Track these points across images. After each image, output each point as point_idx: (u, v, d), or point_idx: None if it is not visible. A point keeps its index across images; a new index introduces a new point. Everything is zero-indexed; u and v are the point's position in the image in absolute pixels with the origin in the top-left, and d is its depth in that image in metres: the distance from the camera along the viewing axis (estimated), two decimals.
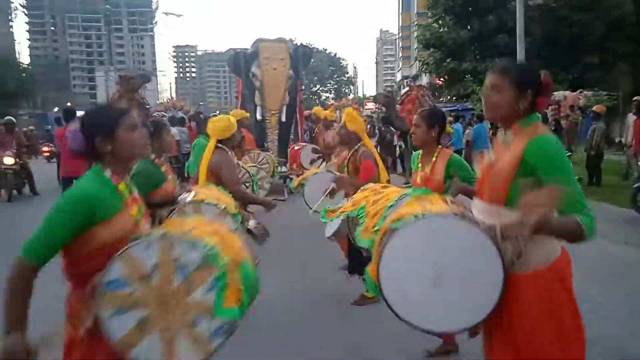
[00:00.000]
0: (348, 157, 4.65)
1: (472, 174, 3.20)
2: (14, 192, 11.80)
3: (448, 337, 3.49)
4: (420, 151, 3.54)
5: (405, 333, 3.68)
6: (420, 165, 3.48)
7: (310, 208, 5.67)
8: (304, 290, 5.11)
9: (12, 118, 12.68)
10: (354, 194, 3.57)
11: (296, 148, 10.00)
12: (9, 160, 11.28)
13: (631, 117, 10.76)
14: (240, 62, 12.08)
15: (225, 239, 1.97)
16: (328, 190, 4.63)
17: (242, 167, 5.90)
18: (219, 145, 4.25)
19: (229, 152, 4.31)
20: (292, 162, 9.94)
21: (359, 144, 4.57)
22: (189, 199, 3.17)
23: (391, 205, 2.78)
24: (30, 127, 28.36)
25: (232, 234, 2.15)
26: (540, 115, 2.09)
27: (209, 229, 1.99)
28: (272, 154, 9.15)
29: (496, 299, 1.94)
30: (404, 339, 3.71)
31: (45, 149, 22.55)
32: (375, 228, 2.67)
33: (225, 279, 1.80)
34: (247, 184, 5.65)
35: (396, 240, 2.04)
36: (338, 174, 5.38)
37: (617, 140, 18.90)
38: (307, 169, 7.57)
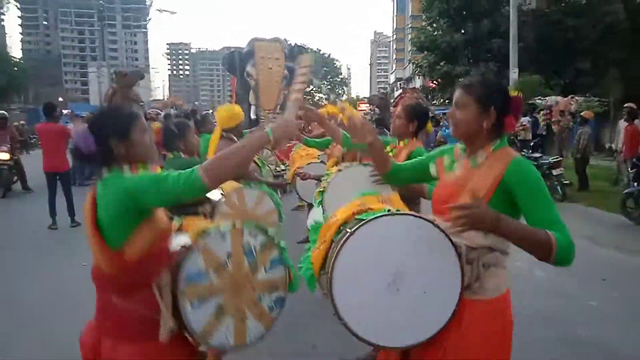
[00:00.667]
0: (346, 151, 4.65)
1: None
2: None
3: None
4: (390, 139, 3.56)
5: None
6: (391, 153, 3.49)
7: (302, 199, 5.71)
8: (299, 290, 5.11)
9: (5, 112, 12.33)
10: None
11: (288, 145, 10.01)
12: (3, 156, 11.07)
13: (622, 123, 10.87)
14: (236, 61, 12.09)
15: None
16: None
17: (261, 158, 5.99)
18: (224, 134, 4.34)
19: (234, 141, 4.34)
20: (283, 158, 9.95)
21: None
22: (217, 197, 3.36)
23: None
24: (22, 122, 28.19)
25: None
26: (506, 136, 2.00)
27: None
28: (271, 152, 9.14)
29: (448, 316, 1.85)
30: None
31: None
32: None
33: (283, 257, 2.04)
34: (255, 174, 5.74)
35: (356, 237, 1.85)
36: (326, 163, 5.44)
37: (607, 146, 19.08)
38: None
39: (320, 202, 3.50)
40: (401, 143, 3.51)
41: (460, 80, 19.88)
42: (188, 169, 1.78)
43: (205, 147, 4.40)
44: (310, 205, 6.08)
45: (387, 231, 1.88)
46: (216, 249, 1.92)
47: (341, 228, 2.05)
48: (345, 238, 1.85)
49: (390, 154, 3.50)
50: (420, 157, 2.36)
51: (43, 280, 5.42)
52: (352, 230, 1.85)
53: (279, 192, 10.70)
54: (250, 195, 3.62)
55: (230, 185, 3.62)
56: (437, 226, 1.85)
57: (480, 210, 1.70)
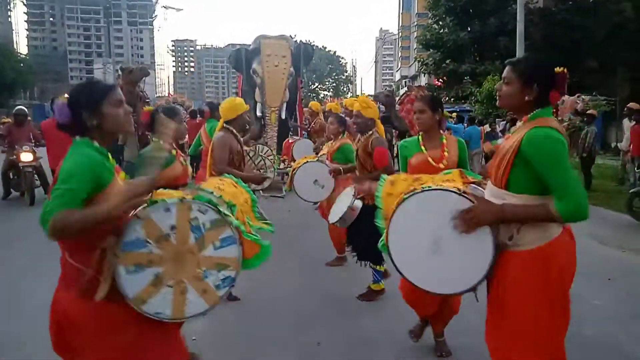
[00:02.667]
0: (357, 143, 4.65)
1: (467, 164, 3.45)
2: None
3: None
4: (418, 137, 3.55)
5: (403, 330, 3.74)
6: (424, 148, 3.48)
7: (301, 197, 5.75)
8: (301, 288, 5.13)
9: (24, 108, 10.62)
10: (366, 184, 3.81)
11: (290, 141, 10.02)
12: (27, 157, 9.50)
13: (627, 122, 10.82)
14: (242, 58, 12.06)
15: (235, 195, 2.43)
16: (352, 201, 4.44)
17: (260, 154, 6.03)
18: (225, 126, 4.43)
19: (233, 133, 4.42)
20: (284, 154, 9.97)
21: (374, 129, 4.56)
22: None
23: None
24: (28, 118, 28.25)
25: (241, 190, 2.61)
26: (548, 109, 2.22)
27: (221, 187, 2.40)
28: (272, 150, 9.16)
29: (485, 271, 2.18)
30: (401, 336, 3.75)
31: None
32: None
33: (233, 239, 2.08)
34: (261, 170, 5.77)
35: (401, 209, 2.30)
36: (329, 162, 5.44)
37: (613, 145, 18.99)
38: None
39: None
40: (434, 139, 3.51)
41: (466, 78, 19.84)
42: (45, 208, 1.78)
43: (211, 133, 4.46)
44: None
45: (424, 203, 2.27)
46: (159, 220, 1.98)
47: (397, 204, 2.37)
48: (396, 206, 2.31)
49: (419, 151, 3.50)
50: None
51: (49, 278, 5.44)
52: (401, 200, 2.31)
53: (283, 188, 10.78)
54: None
55: (210, 180, 3.59)
56: (465, 196, 2.20)
57: (482, 209, 2.13)
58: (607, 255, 6.38)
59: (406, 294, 3.35)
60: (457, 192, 2.22)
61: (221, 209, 2.09)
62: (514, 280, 2.14)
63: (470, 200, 2.19)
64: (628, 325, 4.21)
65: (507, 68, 2.25)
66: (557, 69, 2.21)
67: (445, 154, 3.44)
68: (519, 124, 2.27)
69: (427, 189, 2.29)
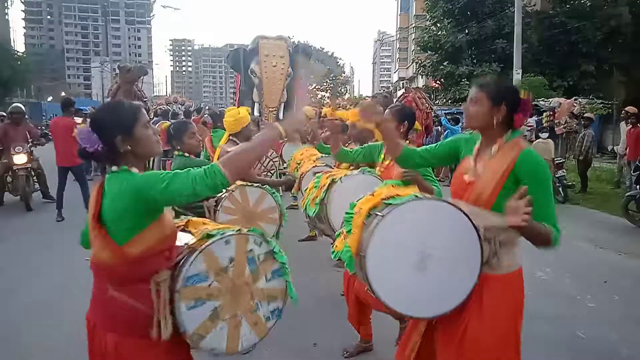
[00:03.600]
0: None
1: (430, 172, 3.22)
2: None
3: (367, 336, 3.64)
4: (382, 144, 3.52)
5: (395, 331, 3.74)
6: (383, 157, 3.52)
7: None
8: (299, 288, 5.11)
9: (21, 106, 9.94)
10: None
11: (279, 141, 10.00)
12: (20, 159, 8.91)
13: (623, 126, 10.85)
14: (240, 58, 12.06)
15: None
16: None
17: (267, 156, 6.03)
18: (231, 138, 4.46)
19: (235, 144, 4.39)
20: (275, 152, 9.96)
21: (373, 140, 4.57)
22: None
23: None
24: (25, 117, 28.17)
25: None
26: (520, 131, 2.25)
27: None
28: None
29: (468, 292, 2.06)
30: (395, 337, 3.75)
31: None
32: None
33: (284, 271, 2.10)
34: (271, 172, 5.77)
35: (388, 219, 2.03)
36: (335, 168, 5.45)
37: (609, 148, 19.05)
38: (286, 163, 7.63)
39: (315, 211, 3.69)
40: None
41: (464, 80, 19.88)
42: (203, 167, 1.79)
43: (215, 144, 4.47)
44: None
45: (415, 214, 2.07)
46: (219, 253, 1.93)
47: (371, 212, 2.18)
48: (377, 221, 2.02)
49: (381, 160, 3.54)
50: (434, 144, 2.58)
51: (49, 273, 5.43)
52: (384, 213, 2.03)
53: (280, 190, 10.76)
54: (252, 193, 3.81)
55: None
56: (460, 210, 2.05)
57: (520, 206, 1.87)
58: (603, 258, 6.39)
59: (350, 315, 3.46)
60: (454, 205, 2.08)
61: (270, 242, 2.08)
62: (492, 302, 2.09)
63: (466, 215, 2.05)
64: (622, 328, 4.23)
65: (475, 89, 2.25)
66: (522, 95, 2.22)
67: (389, 163, 3.44)
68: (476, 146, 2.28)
69: (418, 198, 2.13)
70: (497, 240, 2.10)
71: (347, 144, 5.63)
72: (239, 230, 2.02)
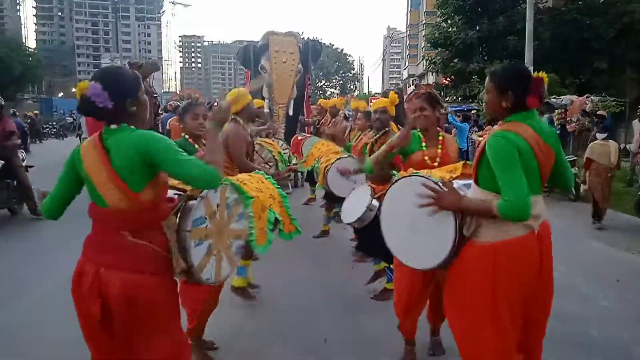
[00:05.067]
0: (374, 140, 4.61)
1: None
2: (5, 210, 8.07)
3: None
4: (418, 133, 3.48)
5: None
6: (425, 145, 3.43)
7: (335, 193, 5.74)
8: (310, 284, 5.13)
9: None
10: None
11: (299, 138, 9.97)
12: None
13: (636, 124, 10.73)
14: (250, 54, 12.01)
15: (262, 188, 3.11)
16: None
17: (267, 148, 6.01)
18: (233, 117, 4.33)
19: (242, 125, 4.35)
20: (293, 151, 9.92)
21: (387, 129, 4.56)
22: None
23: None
24: (35, 112, 28.42)
25: (267, 185, 3.20)
26: (533, 112, 2.35)
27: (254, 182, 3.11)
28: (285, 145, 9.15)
29: (447, 252, 2.42)
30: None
31: None
32: None
33: (247, 214, 2.65)
34: (270, 164, 5.75)
35: (393, 188, 2.77)
36: (355, 157, 5.46)
37: (621, 146, 18.85)
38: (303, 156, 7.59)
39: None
40: (434, 137, 3.50)
41: (474, 77, 19.71)
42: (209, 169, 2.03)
43: None
44: (334, 198, 6.12)
45: (404, 189, 2.68)
46: (212, 199, 2.28)
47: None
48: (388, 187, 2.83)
49: (420, 149, 3.48)
50: None
51: (59, 265, 5.47)
52: (385, 191, 2.84)
53: (290, 185, 10.77)
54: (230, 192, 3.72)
55: (239, 176, 3.67)
56: (437, 183, 2.50)
57: (444, 195, 2.41)
58: (616, 256, 6.34)
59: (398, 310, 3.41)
60: (425, 177, 2.57)
61: (242, 190, 2.59)
62: (464, 269, 2.38)
63: (440, 187, 2.47)
64: (635, 327, 4.19)
65: (487, 79, 2.42)
66: (534, 74, 2.32)
67: (439, 151, 3.42)
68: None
69: (413, 174, 2.74)
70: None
71: (365, 131, 5.62)
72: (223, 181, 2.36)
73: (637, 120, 10.78)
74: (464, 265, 2.38)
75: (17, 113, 23.45)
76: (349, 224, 4.64)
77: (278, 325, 4.13)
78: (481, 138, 9.63)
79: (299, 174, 11.19)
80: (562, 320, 4.10)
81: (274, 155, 5.60)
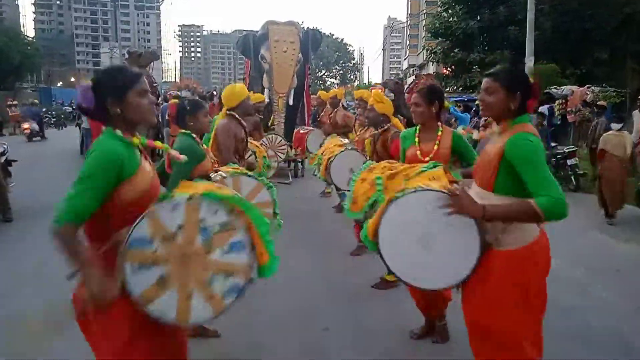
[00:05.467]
0: (376, 136, 4.61)
1: (473, 152, 3.47)
2: None
3: (433, 316, 3.62)
4: (415, 128, 3.55)
5: (409, 318, 3.75)
6: (417, 140, 3.48)
7: (337, 188, 5.75)
8: (310, 274, 5.15)
9: None
10: None
11: (302, 132, 9.92)
12: None
13: (637, 115, 10.69)
14: (250, 43, 11.93)
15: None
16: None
17: (250, 148, 5.95)
18: (229, 112, 4.40)
19: (237, 120, 4.37)
20: (297, 146, 9.88)
21: (388, 125, 4.55)
22: (218, 177, 3.42)
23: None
24: (35, 100, 28.31)
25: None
26: (530, 115, 2.40)
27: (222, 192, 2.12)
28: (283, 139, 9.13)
29: (472, 266, 2.32)
30: (407, 323, 3.76)
31: (26, 125, 19.89)
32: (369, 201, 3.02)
33: (242, 244, 1.99)
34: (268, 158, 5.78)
35: (394, 207, 2.40)
36: (359, 151, 5.45)
37: None
38: (312, 153, 7.56)
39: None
40: (431, 131, 3.49)
41: (475, 67, 19.61)
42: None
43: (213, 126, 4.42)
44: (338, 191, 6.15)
45: (415, 203, 2.37)
46: (166, 218, 1.89)
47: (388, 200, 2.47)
48: (383, 210, 2.41)
49: (413, 144, 3.50)
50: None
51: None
52: (390, 203, 2.41)
53: (290, 176, 10.76)
54: (247, 183, 3.57)
55: (233, 169, 3.67)
56: (451, 191, 2.30)
57: (464, 202, 2.22)
58: (616, 248, 6.34)
59: (417, 300, 3.51)
60: (448, 193, 2.32)
61: (232, 212, 1.99)
62: (498, 278, 2.28)
63: (457, 195, 2.28)
64: (635, 319, 4.20)
65: (488, 79, 2.37)
66: (531, 80, 2.37)
67: (435, 147, 3.42)
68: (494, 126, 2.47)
69: (420, 189, 2.41)
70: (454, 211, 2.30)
71: (364, 129, 5.60)
72: (190, 196, 1.95)
73: (637, 110, 10.74)
74: (497, 276, 2.28)
75: (16, 102, 23.63)
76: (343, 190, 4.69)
77: (278, 315, 4.15)
78: (478, 136, 9.52)
79: (299, 164, 11.20)
80: (562, 311, 4.12)
81: (257, 158, 5.48)
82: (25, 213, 7.45)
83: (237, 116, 4.39)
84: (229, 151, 4.20)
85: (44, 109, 25.35)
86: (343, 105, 9.26)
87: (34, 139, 19.57)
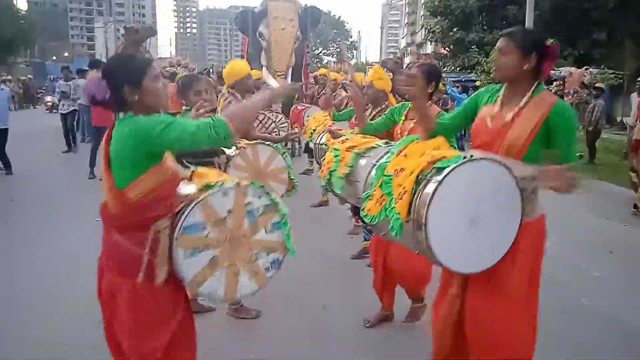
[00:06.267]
0: (373, 116, 4.62)
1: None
2: None
3: (390, 305, 3.69)
4: (403, 106, 3.58)
5: (403, 296, 3.79)
6: (404, 118, 3.51)
7: (316, 162, 5.78)
8: (308, 254, 5.17)
9: None
10: None
11: (299, 108, 9.90)
12: None
13: (635, 97, 10.71)
14: (248, 20, 11.82)
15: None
16: None
17: (269, 117, 6.03)
18: (230, 91, 4.44)
19: (236, 98, 4.37)
20: (294, 122, 9.87)
21: (386, 103, 4.55)
22: (232, 150, 3.62)
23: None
24: (29, 76, 28.03)
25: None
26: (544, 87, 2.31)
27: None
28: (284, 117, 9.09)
29: (510, 244, 2.16)
30: (402, 300, 3.78)
31: (48, 99, 23.58)
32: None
33: (284, 224, 2.19)
34: (273, 133, 5.79)
35: (446, 185, 2.00)
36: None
37: (618, 119, 18.87)
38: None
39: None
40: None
41: (473, 47, 19.43)
42: (211, 117, 1.92)
43: None
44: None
45: (466, 176, 2.06)
46: (217, 204, 2.00)
47: (420, 177, 2.13)
48: (435, 187, 2.00)
49: (400, 122, 3.53)
50: (460, 106, 2.63)
51: (63, 235, 5.52)
52: (441, 179, 2.00)
53: (295, 153, 10.71)
54: (263, 151, 3.84)
55: (245, 142, 3.75)
56: (503, 165, 2.10)
57: (563, 175, 2.02)
58: (610, 228, 6.43)
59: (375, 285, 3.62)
60: (500, 162, 2.11)
61: (272, 195, 2.16)
62: (525, 246, 2.21)
63: (508, 170, 2.10)
64: (626, 297, 4.29)
65: (503, 39, 2.30)
66: (549, 41, 2.28)
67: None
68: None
69: (471, 158, 2.08)
70: (529, 189, 2.21)
71: (366, 108, 5.60)
72: (237, 183, 2.08)
73: (635, 93, 10.75)
74: (522, 246, 2.21)
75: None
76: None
77: (277, 292, 4.18)
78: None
79: (297, 143, 11.19)
80: (552, 288, 4.19)
81: (277, 127, 5.62)
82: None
83: (236, 94, 4.38)
84: None
85: (19, 88, 27.56)
86: (343, 86, 9.23)
87: (53, 111, 21.10)
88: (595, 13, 20.84)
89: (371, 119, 4.54)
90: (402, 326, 3.65)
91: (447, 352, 2.52)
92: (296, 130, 7.61)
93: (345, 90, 8.92)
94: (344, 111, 5.85)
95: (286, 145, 10.95)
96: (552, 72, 15.69)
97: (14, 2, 65.42)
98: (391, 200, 2.23)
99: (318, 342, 3.48)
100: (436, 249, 2.01)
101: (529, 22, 16.33)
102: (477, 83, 16.69)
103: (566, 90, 14.49)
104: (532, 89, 2.26)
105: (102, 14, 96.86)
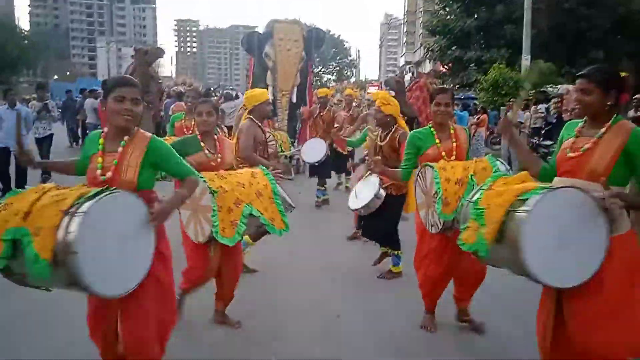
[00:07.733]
0: (382, 138, 4.77)
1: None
2: None
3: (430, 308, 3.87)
4: (429, 128, 3.73)
5: (416, 304, 3.95)
6: (438, 141, 3.65)
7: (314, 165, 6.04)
8: (319, 266, 5.38)
9: None
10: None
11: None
12: None
13: (631, 114, 10.92)
14: (254, 41, 12.13)
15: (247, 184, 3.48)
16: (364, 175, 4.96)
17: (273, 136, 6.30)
18: (248, 116, 4.69)
19: (254, 122, 4.63)
20: (303, 142, 10.09)
21: (395, 126, 4.74)
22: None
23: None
24: (33, 95, 28.31)
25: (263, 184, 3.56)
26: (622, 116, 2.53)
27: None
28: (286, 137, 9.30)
29: (602, 257, 2.39)
30: (415, 308, 3.97)
31: None
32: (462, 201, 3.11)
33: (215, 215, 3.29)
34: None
35: (534, 214, 2.34)
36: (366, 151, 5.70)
37: None
38: None
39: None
40: (445, 130, 3.71)
41: (472, 65, 19.58)
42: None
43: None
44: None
45: (550, 203, 2.38)
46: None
47: (509, 210, 2.45)
48: (525, 215, 2.36)
49: (434, 144, 3.68)
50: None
51: None
52: (530, 208, 2.36)
53: (292, 172, 10.92)
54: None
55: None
56: (582, 190, 2.38)
57: (622, 197, 2.29)
58: None
59: (426, 291, 3.82)
60: (577, 189, 2.40)
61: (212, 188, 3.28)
62: (618, 257, 2.39)
63: (588, 194, 2.38)
64: None
65: (583, 81, 2.50)
66: (623, 74, 2.51)
67: (453, 144, 3.65)
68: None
69: (556, 187, 2.43)
70: (614, 208, 2.36)
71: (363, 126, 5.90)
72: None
73: (632, 110, 10.98)
74: (618, 258, 2.40)
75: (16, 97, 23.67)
76: (354, 209, 4.88)
77: (292, 303, 4.35)
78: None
79: (301, 161, 11.41)
80: None
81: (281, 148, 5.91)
82: None
83: (254, 119, 4.62)
84: (247, 150, 4.48)
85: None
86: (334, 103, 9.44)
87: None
88: (591, 33, 21.22)
89: (381, 141, 4.77)
90: (419, 335, 3.78)
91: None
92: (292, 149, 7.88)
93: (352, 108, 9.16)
94: (358, 137, 6.27)
95: (291, 161, 11.20)
96: (550, 89, 16.01)
97: (16, 22, 66.25)
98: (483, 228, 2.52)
99: (331, 352, 3.55)
100: (532, 267, 2.34)
101: (526, 41, 16.65)
102: (478, 102, 16.96)
103: (564, 108, 14.74)
104: (610, 121, 2.45)
105: (104, 34, 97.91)
